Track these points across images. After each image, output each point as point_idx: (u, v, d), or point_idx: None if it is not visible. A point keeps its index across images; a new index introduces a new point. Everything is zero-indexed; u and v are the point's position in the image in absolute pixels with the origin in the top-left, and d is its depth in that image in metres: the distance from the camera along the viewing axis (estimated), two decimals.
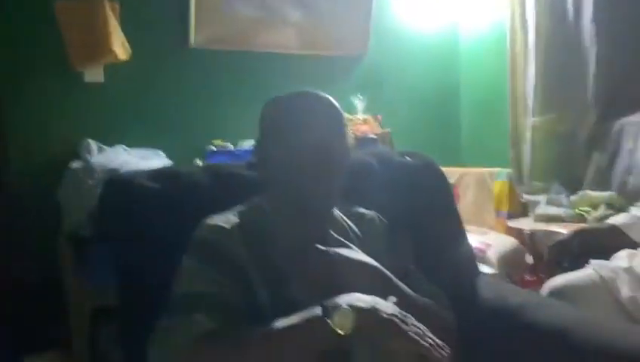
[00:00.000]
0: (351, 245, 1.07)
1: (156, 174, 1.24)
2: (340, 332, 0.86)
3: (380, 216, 1.21)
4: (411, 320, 0.92)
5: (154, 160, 2.34)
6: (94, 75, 2.49)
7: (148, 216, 1.16)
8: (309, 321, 0.88)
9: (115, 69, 2.46)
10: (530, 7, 2.71)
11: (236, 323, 0.92)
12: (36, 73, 2.40)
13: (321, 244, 1.01)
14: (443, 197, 1.48)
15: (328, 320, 0.86)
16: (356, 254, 1.04)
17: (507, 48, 2.83)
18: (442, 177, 1.50)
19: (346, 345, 0.91)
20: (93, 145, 2.35)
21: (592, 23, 2.45)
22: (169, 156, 2.43)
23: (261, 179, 1.14)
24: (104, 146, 2.37)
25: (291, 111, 1.06)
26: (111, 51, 2.30)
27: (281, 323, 0.89)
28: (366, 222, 1.19)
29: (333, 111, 1.07)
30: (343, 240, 1.08)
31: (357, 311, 0.87)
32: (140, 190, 1.18)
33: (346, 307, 0.87)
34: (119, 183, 1.22)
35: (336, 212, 1.15)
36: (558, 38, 2.60)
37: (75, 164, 2.28)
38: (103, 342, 2.15)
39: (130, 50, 2.40)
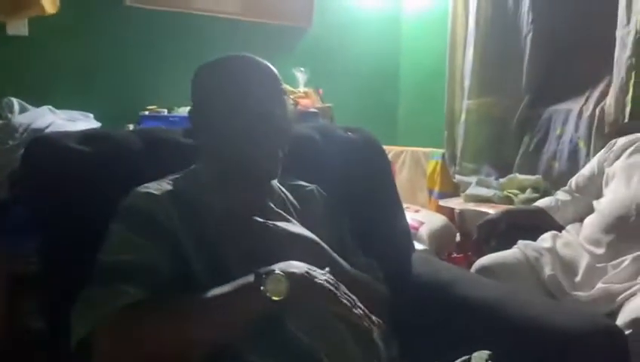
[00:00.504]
0: (289, 217, 1.06)
1: (86, 136, 1.16)
2: (273, 298, 0.85)
3: (320, 189, 1.21)
4: (343, 288, 0.92)
5: (82, 122, 2.21)
6: (17, 27, 2.30)
7: (75, 181, 1.08)
8: (243, 288, 0.87)
9: (41, 22, 2.28)
10: None
11: (164, 292, 0.88)
12: None
13: (259, 216, 0.99)
14: (382, 173, 1.49)
15: (262, 287, 0.85)
16: (294, 227, 1.03)
17: (448, 31, 2.87)
18: (382, 154, 1.51)
19: (280, 311, 0.90)
20: (15, 103, 2.18)
21: (529, 13, 2.53)
22: (99, 120, 2.30)
23: (198, 146, 1.09)
24: (28, 106, 2.21)
25: (233, 75, 1.02)
26: (38, 3, 2.13)
27: (214, 291, 0.87)
28: (305, 195, 1.18)
29: (273, 77, 1.05)
30: (281, 212, 1.06)
31: (289, 276, 0.86)
32: (67, 152, 1.11)
33: (278, 272, 0.86)
34: (45, 144, 1.13)
35: (276, 183, 1.14)
36: (497, 24, 2.67)
37: None
38: (23, 311, 2.05)
39: (58, 3, 2.24)
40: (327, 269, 0.95)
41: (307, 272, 0.90)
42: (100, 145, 1.15)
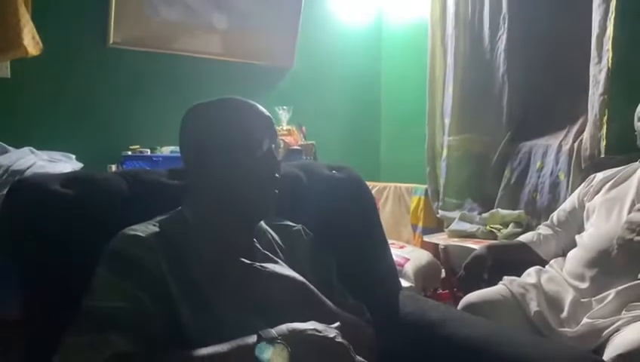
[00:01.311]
0: (276, 258, 1.06)
1: (69, 179, 1.14)
2: None
3: (306, 229, 1.20)
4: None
5: (64, 163, 2.19)
6: (0, 69, 2.30)
7: (59, 225, 1.06)
8: (240, 351, 0.85)
9: (23, 64, 2.28)
10: (449, 30, 2.83)
11: (151, 343, 0.86)
12: None
13: (248, 257, 0.99)
14: (368, 212, 1.49)
15: (261, 356, 0.83)
16: (281, 268, 1.03)
17: (427, 68, 2.93)
18: (367, 192, 1.52)
19: None
20: None
21: (505, 52, 2.60)
22: (81, 160, 2.28)
23: (187, 187, 1.09)
24: (8, 147, 2.19)
25: (230, 116, 1.03)
26: (21, 45, 2.13)
27: (209, 350, 0.85)
28: (291, 235, 1.18)
29: (268, 118, 1.07)
30: (268, 253, 1.06)
31: (293, 343, 0.85)
32: (50, 196, 1.09)
33: (280, 342, 0.84)
34: (27, 187, 1.11)
35: (262, 224, 1.13)
36: (475, 62, 2.75)
37: None
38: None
39: (41, 45, 2.24)
40: (336, 325, 0.94)
41: (312, 336, 0.88)
42: (83, 187, 1.13)
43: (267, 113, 1.07)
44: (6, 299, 1.59)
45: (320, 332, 0.90)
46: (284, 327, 0.88)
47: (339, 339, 0.90)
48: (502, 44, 2.62)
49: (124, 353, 0.82)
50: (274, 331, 0.86)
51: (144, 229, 0.98)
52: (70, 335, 0.86)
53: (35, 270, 1.06)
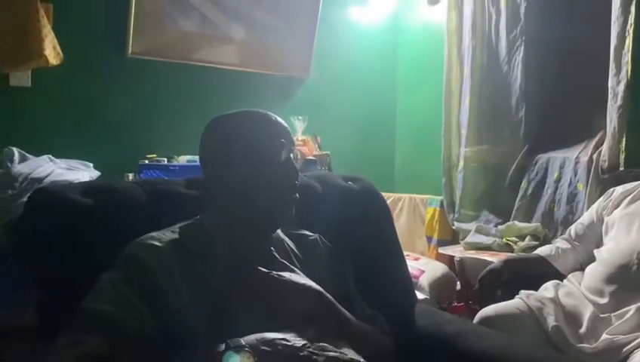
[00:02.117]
0: (293, 268, 1.06)
1: (88, 188, 1.16)
2: None
3: (323, 239, 1.21)
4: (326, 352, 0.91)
5: (82, 172, 2.22)
6: (21, 78, 2.33)
7: (77, 234, 1.08)
8: (210, 359, 0.85)
9: (44, 73, 2.32)
10: (466, 41, 2.83)
11: (127, 350, 0.86)
12: None
13: (265, 266, 0.99)
14: (383, 223, 1.49)
15: None
16: (298, 277, 1.03)
17: (443, 79, 2.93)
18: (383, 203, 1.52)
19: None
20: (15, 152, 2.19)
21: (522, 63, 2.59)
22: (98, 168, 2.31)
23: (206, 196, 1.10)
24: (28, 155, 2.22)
25: (250, 127, 1.05)
26: (42, 55, 2.16)
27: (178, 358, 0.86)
28: (308, 244, 1.18)
29: (286, 129, 1.09)
30: (285, 262, 1.06)
31: (258, 354, 0.85)
32: (69, 205, 1.10)
33: (247, 350, 0.84)
34: (47, 196, 1.13)
35: (279, 233, 1.14)
36: (491, 74, 2.73)
37: None
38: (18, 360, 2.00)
39: (61, 55, 2.28)
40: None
41: (280, 346, 0.88)
42: (102, 197, 1.14)
43: (285, 124, 1.09)
44: (25, 305, 1.61)
45: (289, 341, 0.90)
46: (253, 337, 0.88)
47: (305, 351, 0.89)
48: (519, 55, 2.61)
49: (94, 355, 0.83)
50: (242, 340, 0.86)
51: (162, 237, 1.00)
52: (60, 333, 0.88)
53: (54, 277, 1.08)
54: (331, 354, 0.92)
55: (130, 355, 0.86)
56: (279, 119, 1.09)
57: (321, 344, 0.93)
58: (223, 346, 0.85)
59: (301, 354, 0.89)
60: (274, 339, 0.89)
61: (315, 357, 0.90)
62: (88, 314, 0.88)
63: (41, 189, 1.18)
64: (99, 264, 1.00)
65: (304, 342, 0.91)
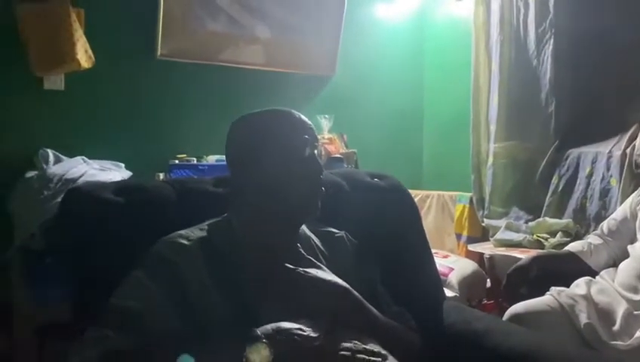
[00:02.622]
0: (319, 264, 1.07)
1: (121, 188, 1.19)
2: None
3: (349, 236, 1.21)
4: (340, 344, 0.92)
5: (114, 172, 2.28)
6: (54, 82, 2.40)
7: (110, 232, 1.11)
8: (228, 349, 0.86)
9: (76, 76, 2.38)
10: (494, 36, 2.79)
11: (155, 347, 0.88)
12: None
13: (291, 263, 1.00)
14: (411, 220, 1.48)
15: (244, 354, 0.84)
16: (325, 274, 1.03)
17: (471, 75, 2.89)
18: (410, 200, 1.51)
19: None
20: (50, 154, 2.26)
21: (552, 57, 2.54)
22: (130, 169, 2.36)
23: (233, 194, 1.12)
24: (62, 156, 2.28)
25: (276, 125, 1.07)
26: (74, 59, 2.22)
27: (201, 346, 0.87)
28: (334, 241, 1.19)
29: (311, 127, 1.11)
30: (312, 259, 1.07)
31: (274, 344, 0.86)
32: (103, 204, 1.14)
33: (263, 341, 0.86)
34: (81, 196, 1.16)
35: (305, 230, 1.15)
36: (520, 68, 2.69)
37: (30, 174, 2.19)
38: (51, 358, 2.06)
39: (93, 58, 2.33)
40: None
41: (293, 339, 0.89)
42: (134, 196, 1.18)
43: (308, 120, 1.11)
44: (61, 302, 1.66)
45: (304, 331, 0.90)
46: (270, 327, 0.89)
47: (319, 341, 0.90)
48: (548, 48, 2.56)
49: (119, 351, 0.85)
50: (259, 330, 0.88)
51: (190, 235, 1.02)
52: (87, 330, 0.90)
53: (89, 275, 1.11)
54: (346, 344, 0.92)
55: (155, 351, 0.88)
56: (302, 116, 1.11)
57: (336, 335, 0.93)
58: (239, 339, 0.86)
59: (316, 343, 0.90)
60: (290, 329, 0.90)
61: (329, 346, 0.91)
62: (115, 311, 0.91)
63: (74, 189, 1.22)
64: (131, 261, 1.03)
65: (319, 334, 0.91)
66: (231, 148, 1.10)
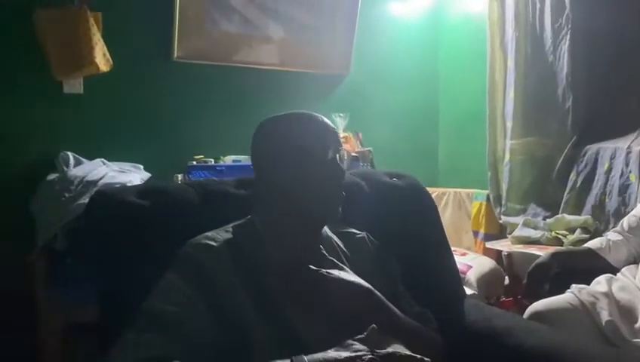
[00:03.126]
0: (342, 265, 1.07)
1: (144, 190, 1.21)
2: None
3: (370, 236, 1.22)
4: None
5: (134, 174, 2.30)
6: (73, 86, 2.43)
7: (135, 234, 1.13)
8: None
9: (95, 80, 2.41)
10: (509, 32, 2.77)
11: (196, 348, 0.89)
12: (13, 82, 2.34)
13: (314, 264, 1.01)
14: (430, 219, 1.49)
15: None
16: (347, 275, 1.04)
17: (487, 71, 2.88)
18: (429, 199, 1.52)
19: None
20: (70, 157, 2.29)
21: (568, 52, 2.52)
22: (148, 170, 2.39)
23: (256, 196, 1.13)
24: (82, 159, 2.31)
25: (300, 127, 1.08)
26: (93, 63, 2.25)
27: None
28: (356, 242, 1.20)
29: (335, 131, 1.11)
30: (334, 260, 1.08)
31: None
32: (127, 206, 1.16)
33: None
34: (106, 198, 1.19)
35: (327, 231, 1.16)
36: (536, 64, 2.67)
37: (51, 176, 2.22)
38: (75, 359, 2.10)
39: (111, 62, 2.36)
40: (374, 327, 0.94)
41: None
42: (157, 198, 1.20)
43: (332, 124, 1.11)
44: (84, 302, 1.69)
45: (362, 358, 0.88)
46: (318, 356, 0.88)
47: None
48: (565, 44, 2.54)
49: (160, 356, 0.85)
50: (306, 358, 0.87)
51: (217, 236, 1.03)
52: (123, 333, 0.90)
53: (113, 276, 1.13)
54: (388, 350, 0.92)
55: (194, 354, 0.89)
56: (326, 120, 1.11)
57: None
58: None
59: None
60: (337, 359, 0.88)
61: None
62: (153, 315, 0.91)
63: (100, 192, 1.24)
64: (155, 263, 1.04)
65: (370, 356, 0.89)
66: (254, 151, 1.11)
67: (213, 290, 0.95)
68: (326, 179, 1.06)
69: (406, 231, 1.36)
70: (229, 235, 1.04)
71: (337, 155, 1.09)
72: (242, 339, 0.94)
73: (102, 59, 2.31)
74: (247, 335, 0.95)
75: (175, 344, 0.88)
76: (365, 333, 0.92)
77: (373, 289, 1.04)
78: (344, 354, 0.88)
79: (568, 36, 2.52)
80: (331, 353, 0.88)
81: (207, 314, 0.93)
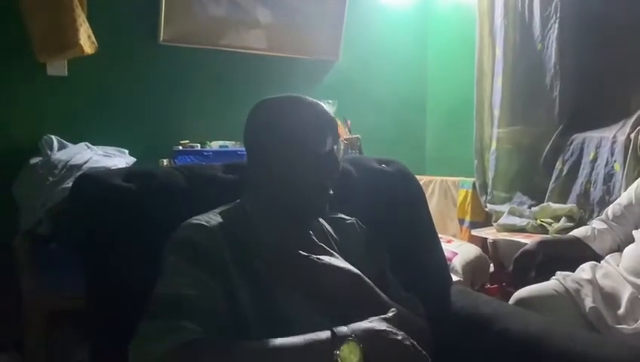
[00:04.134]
0: (331, 251, 1.07)
1: (130, 174, 1.19)
2: None
3: (360, 222, 1.22)
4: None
5: (118, 158, 2.27)
6: (58, 68, 2.39)
7: (122, 218, 1.11)
8: (314, 347, 0.86)
9: (79, 62, 2.37)
10: (498, 21, 2.77)
11: (218, 328, 0.88)
12: None
13: (304, 249, 1.01)
14: (418, 206, 1.49)
15: (336, 352, 0.84)
16: (336, 260, 1.04)
17: (475, 60, 2.88)
18: (417, 186, 1.52)
19: None
20: (54, 140, 2.25)
21: (557, 41, 2.53)
22: (134, 155, 2.36)
23: (248, 181, 1.11)
24: (66, 142, 2.28)
25: (299, 115, 1.05)
26: (77, 45, 2.20)
27: (281, 342, 0.86)
28: (345, 228, 1.19)
29: (334, 120, 1.09)
30: (324, 246, 1.07)
31: (365, 341, 0.86)
32: (113, 190, 1.14)
33: (354, 340, 0.86)
34: (91, 182, 1.17)
35: None
36: (525, 53, 2.67)
37: (35, 160, 2.19)
38: (60, 345, 2.08)
39: (96, 44, 2.31)
40: (393, 311, 0.96)
41: (383, 337, 0.89)
42: (144, 182, 1.18)
43: (331, 114, 1.08)
44: (71, 288, 1.67)
45: (396, 334, 0.90)
46: (358, 326, 0.89)
47: (407, 342, 0.91)
48: (553, 33, 2.54)
49: (195, 339, 0.84)
50: (347, 329, 0.88)
51: (207, 219, 1.02)
52: (145, 321, 0.88)
53: (99, 261, 1.11)
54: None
55: (221, 330, 0.88)
56: (325, 108, 1.08)
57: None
58: (327, 333, 0.87)
59: (406, 342, 0.91)
60: (380, 331, 0.90)
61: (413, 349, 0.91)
62: (170, 300, 0.89)
63: (86, 175, 1.22)
64: (142, 246, 1.04)
65: (402, 335, 0.91)
66: (248, 134, 1.09)
67: (213, 271, 0.94)
68: (320, 169, 1.03)
69: (394, 216, 1.36)
70: (219, 219, 1.03)
71: (335, 146, 1.06)
72: (238, 319, 0.94)
73: (87, 41, 2.26)
74: (243, 315, 0.94)
75: (203, 325, 0.86)
76: (390, 314, 0.94)
77: (362, 274, 1.03)
78: (379, 326, 0.90)
79: (557, 25, 2.52)
80: (367, 323, 0.91)
81: (216, 291, 0.92)
